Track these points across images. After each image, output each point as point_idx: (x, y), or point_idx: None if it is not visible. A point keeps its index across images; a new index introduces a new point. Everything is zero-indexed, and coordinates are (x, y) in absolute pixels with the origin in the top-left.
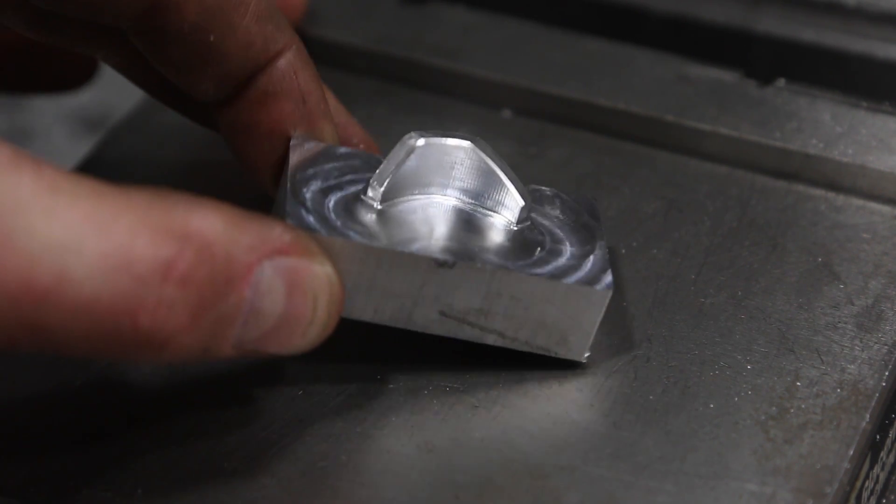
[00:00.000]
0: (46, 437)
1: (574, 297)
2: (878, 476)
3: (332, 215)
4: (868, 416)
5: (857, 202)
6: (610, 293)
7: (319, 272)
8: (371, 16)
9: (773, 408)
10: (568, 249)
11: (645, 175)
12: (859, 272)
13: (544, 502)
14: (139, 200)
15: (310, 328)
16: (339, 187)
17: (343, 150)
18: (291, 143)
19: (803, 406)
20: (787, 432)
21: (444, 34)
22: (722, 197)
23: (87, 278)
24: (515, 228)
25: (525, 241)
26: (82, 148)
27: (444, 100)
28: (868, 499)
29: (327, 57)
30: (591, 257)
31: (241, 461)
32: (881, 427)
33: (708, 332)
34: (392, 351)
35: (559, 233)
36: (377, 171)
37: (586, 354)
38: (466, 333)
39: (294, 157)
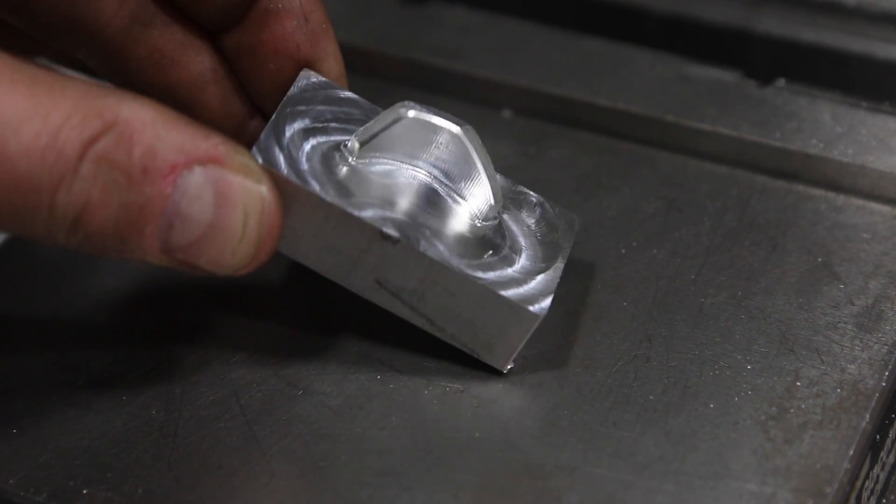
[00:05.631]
0: (46, 437)
1: (505, 310)
2: (878, 476)
3: (304, 157)
4: (868, 416)
5: (857, 202)
6: (541, 318)
7: (252, 189)
8: (371, 16)
9: (773, 408)
10: (521, 262)
11: (645, 175)
12: (859, 272)
13: (544, 502)
14: (75, 88)
15: (240, 245)
16: (324, 131)
17: (345, 94)
18: (298, 76)
19: (803, 406)
20: (787, 432)
21: (444, 34)
22: (722, 197)
23: (23, 156)
24: (479, 224)
25: (482, 239)
26: None
27: (444, 100)
28: (868, 499)
29: None
30: (540, 276)
31: (241, 461)
32: (881, 427)
33: (708, 332)
34: (392, 351)
35: (521, 242)
36: (362, 127)
37: (508, 367)
38: (398, 309)
39: (293, 90)
